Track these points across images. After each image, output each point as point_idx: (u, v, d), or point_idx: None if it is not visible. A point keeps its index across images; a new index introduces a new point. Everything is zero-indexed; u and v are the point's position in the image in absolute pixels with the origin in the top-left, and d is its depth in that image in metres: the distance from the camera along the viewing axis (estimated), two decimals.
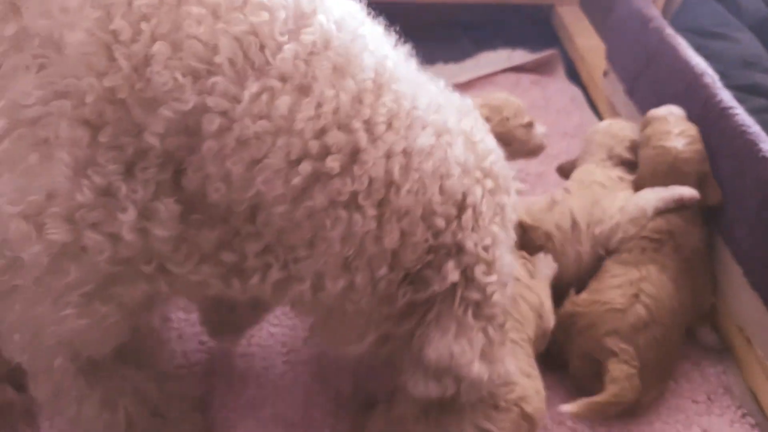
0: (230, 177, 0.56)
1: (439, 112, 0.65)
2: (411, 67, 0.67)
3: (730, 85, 1.22)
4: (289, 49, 0.56)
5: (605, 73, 1.41)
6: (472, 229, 0.64)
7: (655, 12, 1.21)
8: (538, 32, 1.74)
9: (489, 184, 0.66)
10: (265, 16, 0.56)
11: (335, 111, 0.57)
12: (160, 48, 0.53)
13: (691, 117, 1.02)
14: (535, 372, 0.80)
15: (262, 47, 0.55)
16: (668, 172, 0.97)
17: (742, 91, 1.30)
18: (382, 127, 0.59)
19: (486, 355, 0.65)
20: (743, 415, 0.91)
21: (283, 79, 0.56)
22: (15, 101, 0.54)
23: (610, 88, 1.38)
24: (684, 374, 0.95)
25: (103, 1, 0.54)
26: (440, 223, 0.62)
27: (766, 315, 0.87)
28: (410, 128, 0.61)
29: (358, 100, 0.58)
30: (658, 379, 0.88)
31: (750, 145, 0.90)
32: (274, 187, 0.56)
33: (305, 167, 0.56)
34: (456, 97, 0.71)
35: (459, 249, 0.63)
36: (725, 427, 0.89)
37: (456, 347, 0.63)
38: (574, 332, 0.88)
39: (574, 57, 1.60)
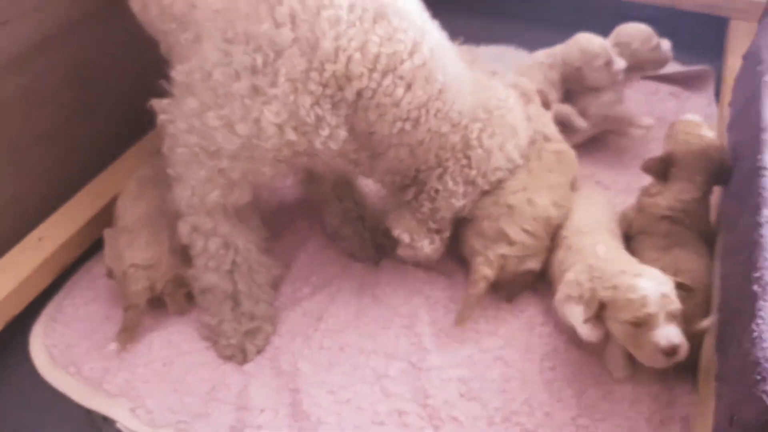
0: (368, 122, 0.98)
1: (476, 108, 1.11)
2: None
3: None
4: (420, 61, 0.97)
5: (730, 103, 1.37)
6: (439, 177, 1.09)
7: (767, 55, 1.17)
8: (712, 43, 1.69)
9: (464, 161, 1.10)
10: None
11: (419, 106, 0.99)
12: (357, 56, 0.92)
13: (747, 164, 1.04)
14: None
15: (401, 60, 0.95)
16: (700, 155, 1.14)
17: None
18: (430, 117, 1.02)
19: (406, 231, 1.13)
20: None
21: (408, 83, 0.96)
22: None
23: (727, 119, 1.36)
24: None
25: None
26: (425, 165, 1.09)
27: None
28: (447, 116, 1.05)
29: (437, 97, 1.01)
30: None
31: (757, 207, 0.92)
32: (384, 129, 1.00)
33: (399, 125, 1.00)
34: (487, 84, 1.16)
35: (423, 184, 1.10)
36: None
37: (397, 231, 1.13)
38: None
39: (724, 77, 1.55)
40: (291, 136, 0.95)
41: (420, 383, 1.07)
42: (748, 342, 0.77)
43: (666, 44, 1.47)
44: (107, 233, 1.21)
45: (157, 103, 1.06)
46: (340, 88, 0.94)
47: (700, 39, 1.70)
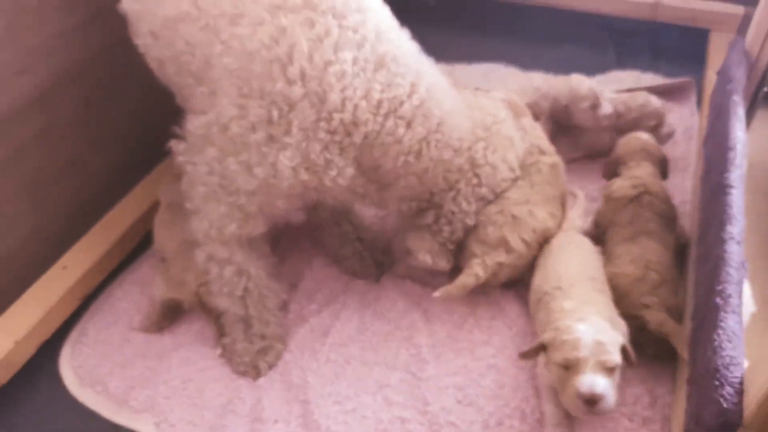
0: (374, 158, 1.09)
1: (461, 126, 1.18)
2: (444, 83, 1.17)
3: None
4: (418, 101, 1.07)
5: (707, 116, 1.45)
6: (453, 201, 1.20)
7: (738, 74, 1.24)
8: (693, 55, 1.76)
9: (474, 180, 1.21)
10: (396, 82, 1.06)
11: (420, 140, 1.09)
12: (363, 104, 1.02)
13: (714, 180, 1.12)
14: None
15: (401, 102, 1.05)
16: (640, 150, 1.33)
17: None
18: (431, 148, 1.12)
19: (432, 253, 1.23)
20: None
21: (408, 121, 1.07)
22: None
23: (703, 131, 1.43)
24: None
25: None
26: (437, 188, 1.19)
27: None
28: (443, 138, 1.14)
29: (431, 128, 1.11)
30: (679, 318, 1.13)
31: (722, 223, 1.00)
32: (389, 164, 1.10)
33: (402, 159, 1.10)
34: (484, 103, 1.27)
35: (440, 207, 1.20)
36: None
37: (410, 243, 1.24)
38: (615, 300, 1.14)
39: (705, 89, 1.62)
40: (304, 176, 1.05)
41: (419, 391, 1.16)
42: (710, 350, 0.86)
43: (607, 108, 1.49)
44: (160, 268, 1.33)
45: (176, 146, 1.15)
46: (348, 134, 1.04)
47: (682, 50, 1.78)
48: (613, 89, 1.68)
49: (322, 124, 1.02)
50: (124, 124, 1.50)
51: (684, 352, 1.03)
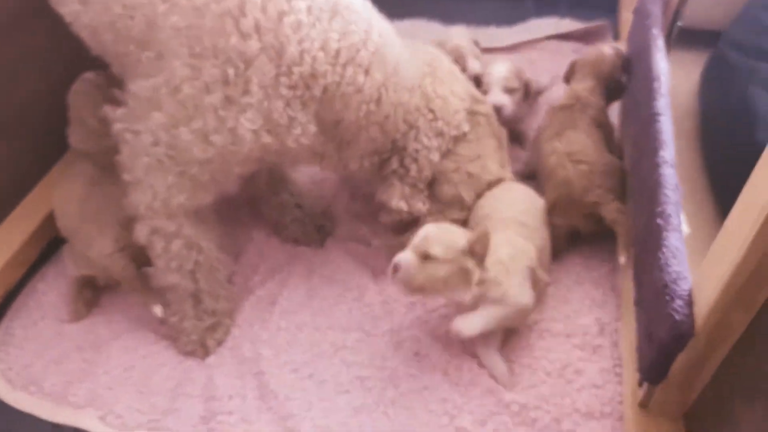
0: (335, 112, 1.05)
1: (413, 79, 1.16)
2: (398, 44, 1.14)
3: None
4: (374, 47, 1.05)
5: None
6: (414, 139, 1.17)
7: (655, 9, 1.28)
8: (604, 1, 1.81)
9: (430, 116, 1.18)
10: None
11: (379, 87, 1.07)
12: (321, 55, 0.99)
13: (643, 111, 1.16)
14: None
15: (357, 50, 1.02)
16: (593, 61, 1.36)
17: None
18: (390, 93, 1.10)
19: (405, 199, 1.20)
20: None
21: (366, 69, 1.04)
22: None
23: None
24: None
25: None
26: (399, 134, 1.15)
27: None
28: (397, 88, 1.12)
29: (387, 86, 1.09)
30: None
31: (655, 150, 1.03)
32: (351, 115, 1.07)
33: (364, 108, 1.07)
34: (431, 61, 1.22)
35: (404, 149, 1.17)
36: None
37: (383, 196, 1.20)
38: (566, 208, 1.22)
39: (620, 30, 1.67)
40: (266, 138, 1.00)
41: (376, 349, 1.14)
42: (657, 269, 0.88)
43: (473, 65, 1.47)
44: (66, 248, 1.25)
45: (111, 112, 1.06)
46: (308, 87, 1.00)
47: None
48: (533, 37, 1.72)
49: (283, 79, 0.97)
50: (30, 111, 1.36)
51: (624, 240, 1.16)
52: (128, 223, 1.17)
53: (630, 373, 1.01)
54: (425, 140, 1.18)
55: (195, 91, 0.96)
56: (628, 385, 1.01)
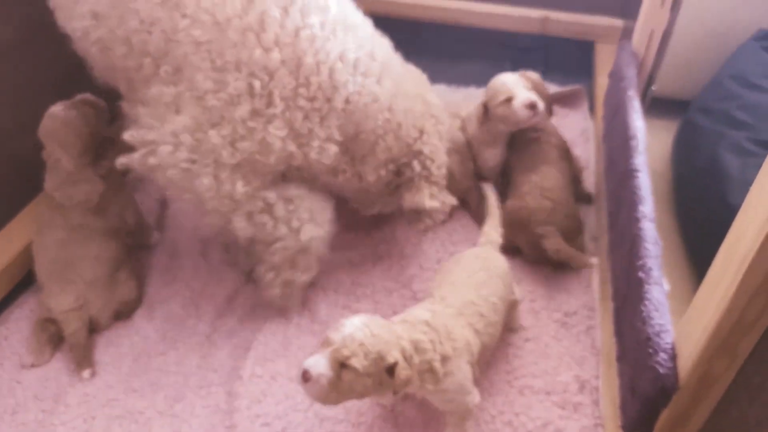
0: (356, 124, 1.11)
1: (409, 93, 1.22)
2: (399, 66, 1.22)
3: (753, 139, 1.35)
4: (381, 59, 1.14)
5: (602, 117, 1.54)
6: (425, 143, 1.22)
7: (629, 73, 1.34)
8: (579, 66, 1.88)
9: (433, 120, 1.24)
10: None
11: (392, 95, 1.15)
12: (339, 66, 1.06)
13: (621, 167, 1.18)
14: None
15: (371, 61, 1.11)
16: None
17: (762, 145, 1.38)
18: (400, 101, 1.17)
19: (433, 198, 1.24)
20: None
21: (378, 78, 1.13)
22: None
23: (601, 131, 1.52)
24: None
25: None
26: (412, 139, 1.20)
27: None
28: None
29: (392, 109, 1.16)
30: (576, 233, 1.31)
31: (634, 204, 1.05)
32: (370, 125, 1.13)
33: (381, 117, 1.14)
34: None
35: (420, 153, 1.21)
36: None
37: (416, 198, 1.22)
38: (517, 231, 1.28)
39: (595, 94, 1.73)
40: (292, 147, 1.06)
41: (352, 403, 1.10)
42: (639, 322, 0.88)
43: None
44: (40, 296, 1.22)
45: (131, 137, 1.04)
46: (329, 100, 1.06)
47: (571, 62, 1.89)
48: None
49: (302, 90, 1.03)
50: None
51: (581, 263, 1.26)
52: (96, 282, 1.18)
53: (613, 430, 0.99)
54: (435, 141, 1.24)
55: (221, 103, 1.00)
56: None
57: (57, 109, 1.16)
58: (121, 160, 1.07)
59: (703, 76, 1.65)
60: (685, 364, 0.79)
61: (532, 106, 1.31)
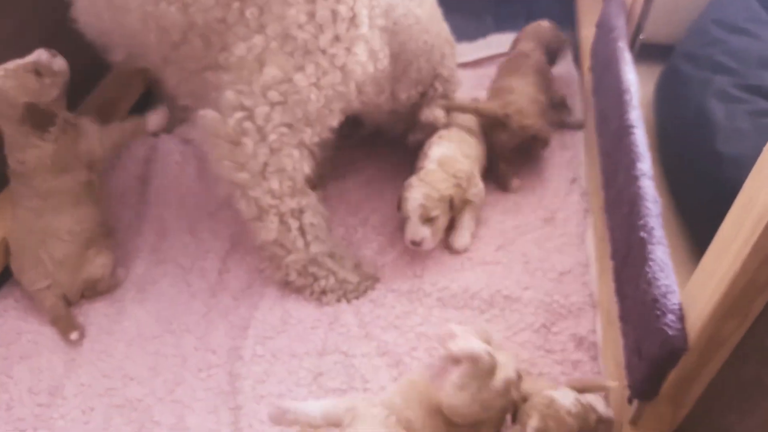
0: (400, 43, 1.20)
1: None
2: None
3: (739, 84, 1.33)
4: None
5: (590, 68, 1.51)
6: (445, 66, 1.32)
7: (619, 23, 1.30)
8: (561, 16, 1.83)
9: (449, 45, 1.35)
10: None
11: (429, 18, 1.25)
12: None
13: (615, 124, 1.16)
14: None
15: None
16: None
17: (748, 91, 1.37)
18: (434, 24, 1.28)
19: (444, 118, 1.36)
20: None
21: (419, 2, 1.23)
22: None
23: (590, 83, 1.49)
24: None
25: None
26: (436, 62, 1.29)
27: None
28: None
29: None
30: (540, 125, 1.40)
31: (631, 162, 1.04)
32: (412, 45, 1.22)
33: (422, 38, 1.24)
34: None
35: (441, 75, 1.32)
36: None
37: (436, 112, 1.33)
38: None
39: (580, 45, 1.69)
40: (370, 68, 1.11)
41: (355, 370, 1.09)
42: (645, 283, 0.87)
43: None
44: (10, 262, 1.21)
45: (230, 99, 1.05)
46: (387, 17, 1.12)
47: (553, 12, 1.84)
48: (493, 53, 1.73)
49: (377, 9, 1.09)
50: None
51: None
52: (65, 261, 1.16)
53: (616, 390, 1.00)
54: (452, 65, 1.34)
55: (308, 35, 1.03)
56: (615, 402, 0.99)
57: None
58: (210, 113, 1.07)
59: (685, 19, 1.62)
60: (694, 325, 0.79)
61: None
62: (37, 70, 1.13)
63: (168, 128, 1.53)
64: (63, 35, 1.30)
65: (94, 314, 1.20)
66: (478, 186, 1.31)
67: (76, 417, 1.05)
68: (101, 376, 1.11)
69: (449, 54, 1.34)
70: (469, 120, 1.41)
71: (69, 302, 1.19)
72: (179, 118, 1.55)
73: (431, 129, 1.37)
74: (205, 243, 1.32)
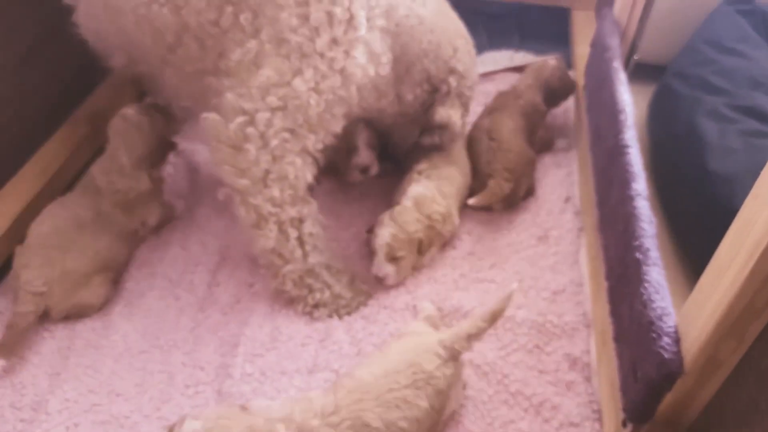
0: (402, 46, 1.17)
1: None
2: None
3: (730, 104, 1.34)
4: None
5: (584, 87, 1.52)
6: (459, 60, 1.25)
7: (613, 42, 1.31)
8: (556, 33, 1.85)
9: (463, 40, 1.29)
10: None
11: (435, 14, 1.22)
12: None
13: (609, 143, 1.16)
14: None
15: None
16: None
17: (739, 111, 1.38)
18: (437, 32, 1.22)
19: (461, 118, 1.31)
20: None
21: (422, 2, 1.21)
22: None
23: (584, 102, 1.50)
24: None
25: None
26: (447, 56, 1.23)
27: None
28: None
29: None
30: (526, 179, 1.39)
31: (626, 182, 1.04)
32: (415, 47, 1.20)
33: (426, 39, 1.19)
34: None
35: (454, 70, 1.25)
36: None
37: (450, 112, 1.27)
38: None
39: (574, 63, 1.70)
40: (371, 71, 1.10)
41: None
42: (640, 304, 0.87)
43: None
44: (17, 249, 1.16)
45: (231, 102, 1.04)
46: (388, 18, 1.10)
47: (547, 30, 1.85)
48: (488, 70, 1.73)
49: (376, 10, 1.07)
50: None
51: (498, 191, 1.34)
52: (70, 275, 1.14)
53: (610, 412, 0.99)
54: (467, 60, 1.29)
55: (302, 39, 1.01)
56: (609, 425, 0.98)
57: (130, 112, 1.21)
58: (213, 116, 1.06)
59: (677, 40, 1.63)
60: (690, 348, 0.78)
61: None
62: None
63: None
64: (55, 43, 1.30)
65: (81, 328, 1.18)
66: (454, 224, 1.30)
67: None
68: (87, 392, 1.08)
69: (463, 48, 1.28)
70: (455, 153, 1.38)
71: (45, 316, 1.15)
72: (171, 129, 1.54)
73: (446, 133, 1.31)
74: (194, 256, 1.31)
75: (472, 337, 0.97)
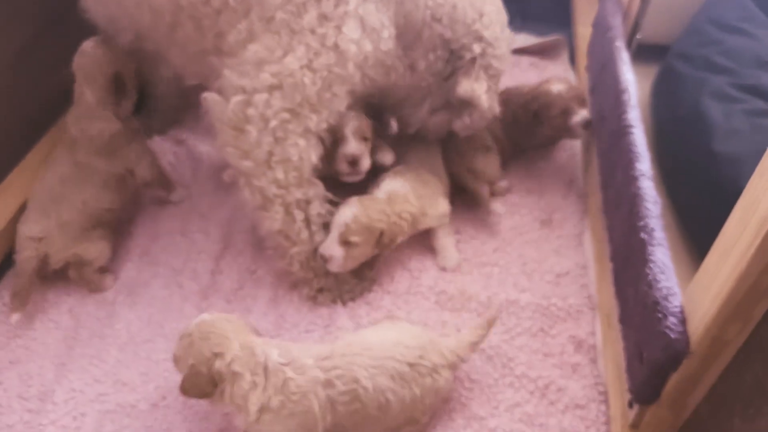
0: (406, 13, 1.10)
1: None
2: None
3: (735, 84, 1.32)
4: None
5: (586, 68, 1.50)
6: (486, 27, 1.14)
7: (615, 22, 1.29)
8: (558, 14, 1.83)
9: (494, 7, 1.17)
10: None
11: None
12: None
13: (613, 124, 1.15)
14: None
15: None
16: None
17: (744, 91, 1.36)
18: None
19: (489, 94, 1.18)
20: None
21: None
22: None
23: (586, 83, 1.48)
24: None
25: None
26: (470, 20, 1.13)
27: None
28: None
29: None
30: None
31: (630, 163, 1.03)
32: (419, 14, 1.11)
33: (429, 3, 1.11)
34: None
35: (480, 36, 1.14)
36: None
37: (475, 85, 1.15)
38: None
39: (576, 44, 1.68)
40: (368, 46, 1.04)
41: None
42: (645, 285, 0.86)
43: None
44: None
45: (228, 78, 1.03)
46: None
47: (549, 11, 1.83)
48: None
49: None
50: None
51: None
52: (68, 225, 1.17)
53: (616, 393, 0.99)
54: (497, 28, 1.17)
55: (289, 15, 0.99)
56: (615, 406, 0.98)
57: (87, 45, 1.22)
58: (213, 96, 1.06)
59: (681, 19, 1.61)
60: (696, 328, 0.77)
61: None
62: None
63: (161, 130, 1.51)
64: (51, 39, 1.29)
65: (85, 317, 1.18)
66: (438, 210, 1.25)
67: (67, 423, 1.03)
68: (93, 381, 1.09)
69: (491, 14, 1.16)
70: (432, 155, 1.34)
71: (47, 267, 1.17)
72: (172, 119, 1.53)
73: (476, 112, 1.20)
74: (197, 244, 1.31)
75: (474, 345, 1.01)
